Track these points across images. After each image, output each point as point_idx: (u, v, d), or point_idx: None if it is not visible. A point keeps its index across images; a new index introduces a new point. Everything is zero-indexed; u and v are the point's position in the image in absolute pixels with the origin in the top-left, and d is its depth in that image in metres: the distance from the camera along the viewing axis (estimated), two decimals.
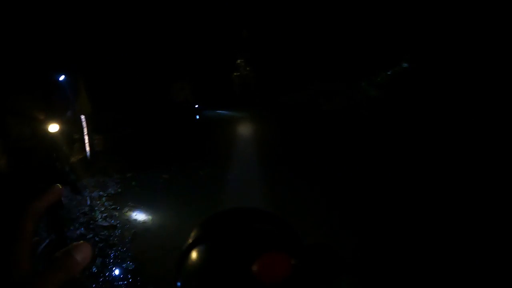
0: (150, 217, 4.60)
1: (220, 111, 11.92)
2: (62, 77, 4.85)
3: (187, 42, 10.55)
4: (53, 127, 4.17)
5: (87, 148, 5.85)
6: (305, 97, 11.15)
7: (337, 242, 3.52)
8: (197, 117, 10.66)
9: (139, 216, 4.63)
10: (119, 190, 5.33)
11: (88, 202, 4.92)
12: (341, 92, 10.15)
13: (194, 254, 0.56)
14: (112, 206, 4.86)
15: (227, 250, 0.53)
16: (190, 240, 0.59)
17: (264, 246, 0.52)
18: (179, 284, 0.56)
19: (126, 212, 4.74)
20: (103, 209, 4.79)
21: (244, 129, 9.82)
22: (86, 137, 5.79)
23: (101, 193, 5.19)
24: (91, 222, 4.53)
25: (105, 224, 4.45)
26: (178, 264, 0.58)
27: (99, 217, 4.61)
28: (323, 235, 3.97)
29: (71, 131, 5.07)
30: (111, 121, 6.95)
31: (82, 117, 5.73)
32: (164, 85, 9.18)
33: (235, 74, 12.92)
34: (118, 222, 4.51)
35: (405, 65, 9.55)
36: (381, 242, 3.87)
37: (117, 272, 3.71)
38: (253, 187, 5.53)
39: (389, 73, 9.65)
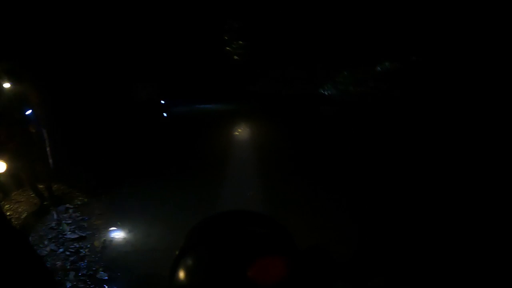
0: (118, 223, 4.54)
1: (191, 105, 11.81)
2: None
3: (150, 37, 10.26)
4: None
5: (50, 161, 5.65)
6: (273, 85, 11.19)
7: (333, 243, 3.40)
8: (165, 114, 10.49)
9: (108, 223, 4.56)
10: (85, 200, 5.21)
11: (55, 216, 4.79)
12: (302, 78, 10.27)
13: (187, 261, 0.55)
14: (80, 217, 4.76)
15: (221, 255, 0.52)
16: (182, 246, 0.58)
17: (259, 249, 0.52)
18: None
19: (94, 221, 4.65)
20: (70, 221, 4.68)
21: (219, 121, 9.77)
22: (48, 150, 5.58)
23: (67, 205, 5.05)
24: (60, 236, 4.42)
25: (74, 236, 4.36)
26: (171, 272, 0.57)
27: (67, 230, 4.51)
28: (316, 235, 3.85)
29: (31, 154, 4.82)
30: (73, 130, 6.72)
31: (43, 130, 5.51)
32: (124, 87, 8.92)
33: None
34: (87, 232, 4.42)
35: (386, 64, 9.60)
36: (379, 245, 3.73)
37: (91, 284, 3.65)
38: (222, 180, 5.56)
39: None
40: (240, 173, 5.88)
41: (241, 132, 8.56)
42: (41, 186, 5.15)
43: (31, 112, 4.79)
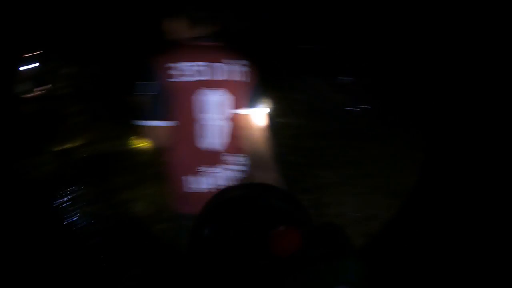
0: None
1: None
2: None
3: None
4: None
5: None
6: None
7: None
8: None
9: None
10: None
11: None
12: None
13: (207, 229, 0.57)
14: None
15: (241, 223, 0.55)
16: (201, 214, 0.60)
17: (277, 221, 0.54)
18: (191, 257, 0.58)
19: None
20: None
21: None
22: None
23: None
24: None
25: None
26: (191, 239, 0.59)
27: None
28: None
29: None
30: None
31: None
32: None
33: None
34: None
35: None
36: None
37: None
38: None
39: None
40: None
41: None
42: None
43: None
